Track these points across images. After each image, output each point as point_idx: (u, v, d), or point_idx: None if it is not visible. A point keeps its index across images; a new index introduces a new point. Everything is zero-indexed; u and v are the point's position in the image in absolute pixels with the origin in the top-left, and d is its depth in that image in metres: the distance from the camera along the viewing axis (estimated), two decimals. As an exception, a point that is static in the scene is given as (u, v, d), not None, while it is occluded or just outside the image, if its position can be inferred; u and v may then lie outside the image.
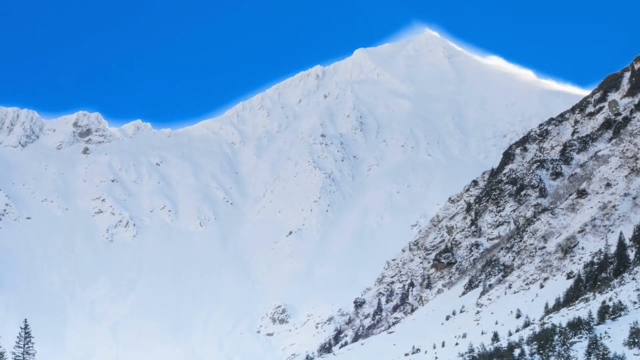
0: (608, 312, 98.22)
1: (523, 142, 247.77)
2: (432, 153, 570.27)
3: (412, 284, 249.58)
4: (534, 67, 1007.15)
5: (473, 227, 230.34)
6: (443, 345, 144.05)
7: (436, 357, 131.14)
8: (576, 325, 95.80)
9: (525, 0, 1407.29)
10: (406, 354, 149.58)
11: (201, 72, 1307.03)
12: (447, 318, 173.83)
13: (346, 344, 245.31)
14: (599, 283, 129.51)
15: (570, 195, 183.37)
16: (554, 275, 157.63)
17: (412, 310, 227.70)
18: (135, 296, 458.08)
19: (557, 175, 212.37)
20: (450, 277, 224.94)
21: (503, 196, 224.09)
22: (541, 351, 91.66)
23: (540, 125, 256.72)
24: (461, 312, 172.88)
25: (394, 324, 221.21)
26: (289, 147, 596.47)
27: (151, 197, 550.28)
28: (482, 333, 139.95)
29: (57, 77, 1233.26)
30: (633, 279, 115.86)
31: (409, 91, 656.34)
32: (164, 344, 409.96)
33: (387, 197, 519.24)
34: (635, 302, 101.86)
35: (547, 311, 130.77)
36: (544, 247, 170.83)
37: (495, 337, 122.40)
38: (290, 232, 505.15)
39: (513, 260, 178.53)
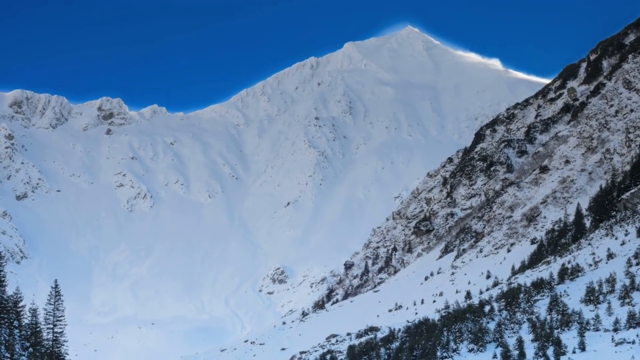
0: (567, 274, 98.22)
1: (492, 124, 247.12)
2: (412, 134, 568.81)
3: (395, 249, 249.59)
4: (501, 59, 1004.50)
5: (448, 199, 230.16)
6: (422, 303, 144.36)
7: (416, 313, 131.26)
8: (539, 285, 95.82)
9: (492, 1, 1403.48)
10: (390, 310, 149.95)
11: (210, 63, 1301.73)
12: (426, 279, 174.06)
13: (337, 301, 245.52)
14: (559, 248, 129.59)
15: (534, 170, 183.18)
16: (520, 241, 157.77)
17: (395, 272, 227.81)
18: (152, 259, 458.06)
19: (522, 153, 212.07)
20: (429, 242, 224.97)
21: (475, 172, 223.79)
22: (508, 307, 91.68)
23: (508, 109, 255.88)
24: (438, 273, 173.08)
25: (379, 283, 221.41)
26: (287, 128, 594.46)
27: (166, 173, 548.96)
28: (457, 292, 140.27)
29: (84, 67, 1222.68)
30: (589, 244, 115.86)
31: (393, 79, 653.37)
32: (177, 301, 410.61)
33: (373, 173, 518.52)
34: (590, 265, 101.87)
35: (514, 272, 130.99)
36: (510, 216, 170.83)
37: (468, 295, 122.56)
38: (288, 203, 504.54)
39: (484, 227, 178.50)
